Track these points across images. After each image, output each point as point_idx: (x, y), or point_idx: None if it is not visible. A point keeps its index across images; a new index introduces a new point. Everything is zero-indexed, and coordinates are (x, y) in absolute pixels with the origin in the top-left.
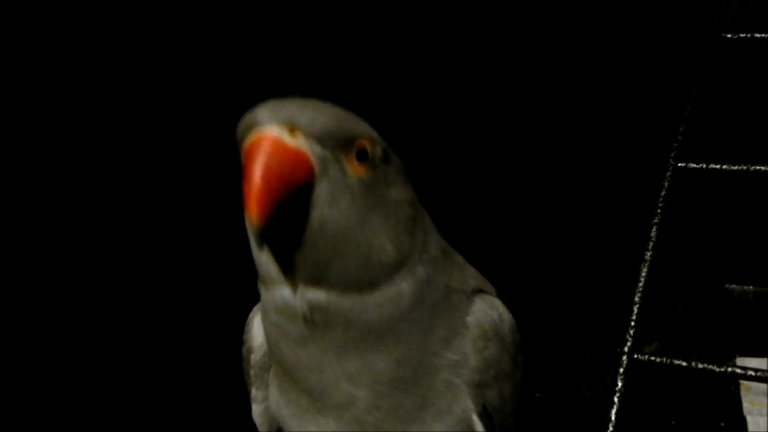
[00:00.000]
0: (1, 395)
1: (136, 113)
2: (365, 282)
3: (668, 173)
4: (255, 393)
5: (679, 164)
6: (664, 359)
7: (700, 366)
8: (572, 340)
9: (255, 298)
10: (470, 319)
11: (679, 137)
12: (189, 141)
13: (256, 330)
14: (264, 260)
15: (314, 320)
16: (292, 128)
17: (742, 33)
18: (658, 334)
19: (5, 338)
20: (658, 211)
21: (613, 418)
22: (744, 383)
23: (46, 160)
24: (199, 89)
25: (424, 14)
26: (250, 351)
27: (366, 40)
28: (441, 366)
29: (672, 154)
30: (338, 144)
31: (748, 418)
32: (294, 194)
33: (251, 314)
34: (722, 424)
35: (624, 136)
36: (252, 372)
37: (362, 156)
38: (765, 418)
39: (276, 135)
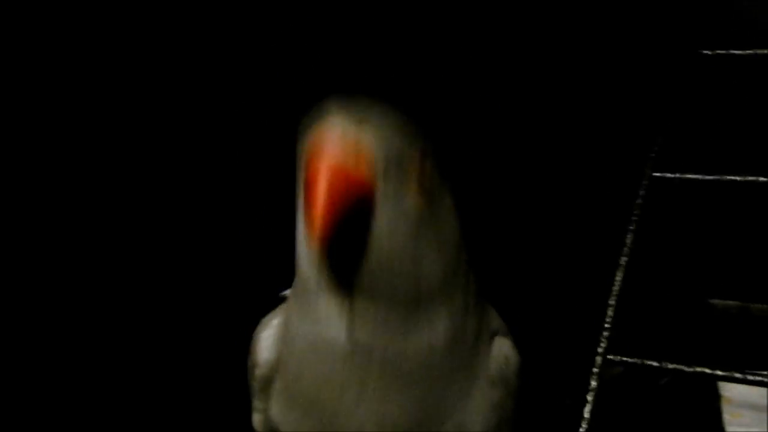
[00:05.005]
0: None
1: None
2: (410, 300)
3: (644, 182)
4: (257, 403)
5: (655, 174)
6: (637, 360)
7: (671, 366)
8: (553, 349)
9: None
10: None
11: (656, 147)
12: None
13: (263, 344)
14: (315, 270)
15: (355, 336)
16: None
17: (720, 50)
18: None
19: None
20: (634, 218)
21: (586, 416)
22: (725, 395)
23: (50, 160)
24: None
25: None
26: (254, 365)
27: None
28: (452, 414)
29: (648, 164)
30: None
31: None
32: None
33: (259, 328)
34: None
35: (601, 146)
36: (256, 385)
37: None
38: (744, 430)
39: (341, 158)
